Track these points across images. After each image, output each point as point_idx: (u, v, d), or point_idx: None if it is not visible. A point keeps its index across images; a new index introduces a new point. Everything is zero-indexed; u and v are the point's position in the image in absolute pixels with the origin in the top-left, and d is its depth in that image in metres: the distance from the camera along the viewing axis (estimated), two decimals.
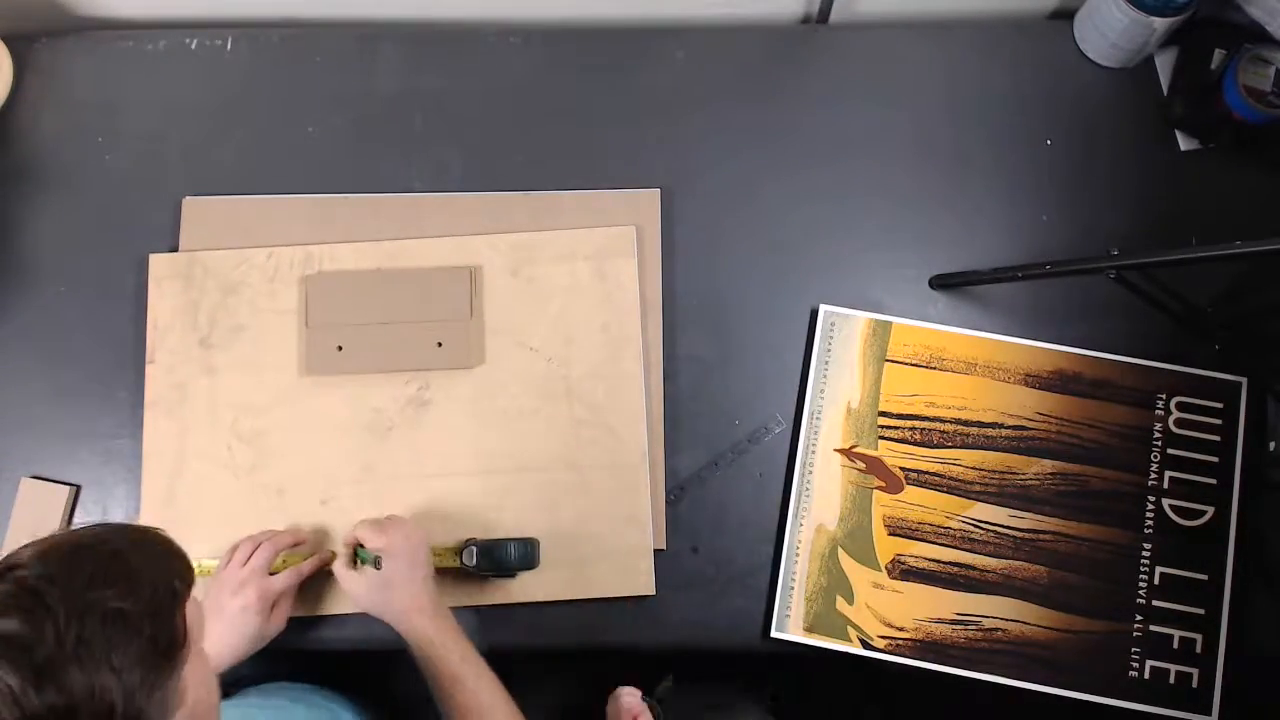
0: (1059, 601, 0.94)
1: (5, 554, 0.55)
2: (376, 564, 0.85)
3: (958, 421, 0.97)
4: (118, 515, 0.96)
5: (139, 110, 1.06)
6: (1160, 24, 0.99)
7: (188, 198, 1.02)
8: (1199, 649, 0.92)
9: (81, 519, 0.97)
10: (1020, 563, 0.95)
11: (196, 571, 0.64)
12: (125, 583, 0.54)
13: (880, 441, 0.97)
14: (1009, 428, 0.97)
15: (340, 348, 0.97)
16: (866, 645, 0.93)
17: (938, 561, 0.95)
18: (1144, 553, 0.95)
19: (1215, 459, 0.96)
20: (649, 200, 1.02)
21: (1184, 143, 1.05)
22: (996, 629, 0.93)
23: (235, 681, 0.99)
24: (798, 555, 0.95)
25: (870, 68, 1.07)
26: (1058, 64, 1.07)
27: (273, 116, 1.06)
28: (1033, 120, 1.05)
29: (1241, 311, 0.98)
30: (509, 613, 0.94)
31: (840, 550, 0.95)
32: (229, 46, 1.08)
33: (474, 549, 0.90)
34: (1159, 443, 0.97)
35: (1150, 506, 0.95)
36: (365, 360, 0.97)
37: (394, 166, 1.04)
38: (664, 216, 1.02)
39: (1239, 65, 0.98)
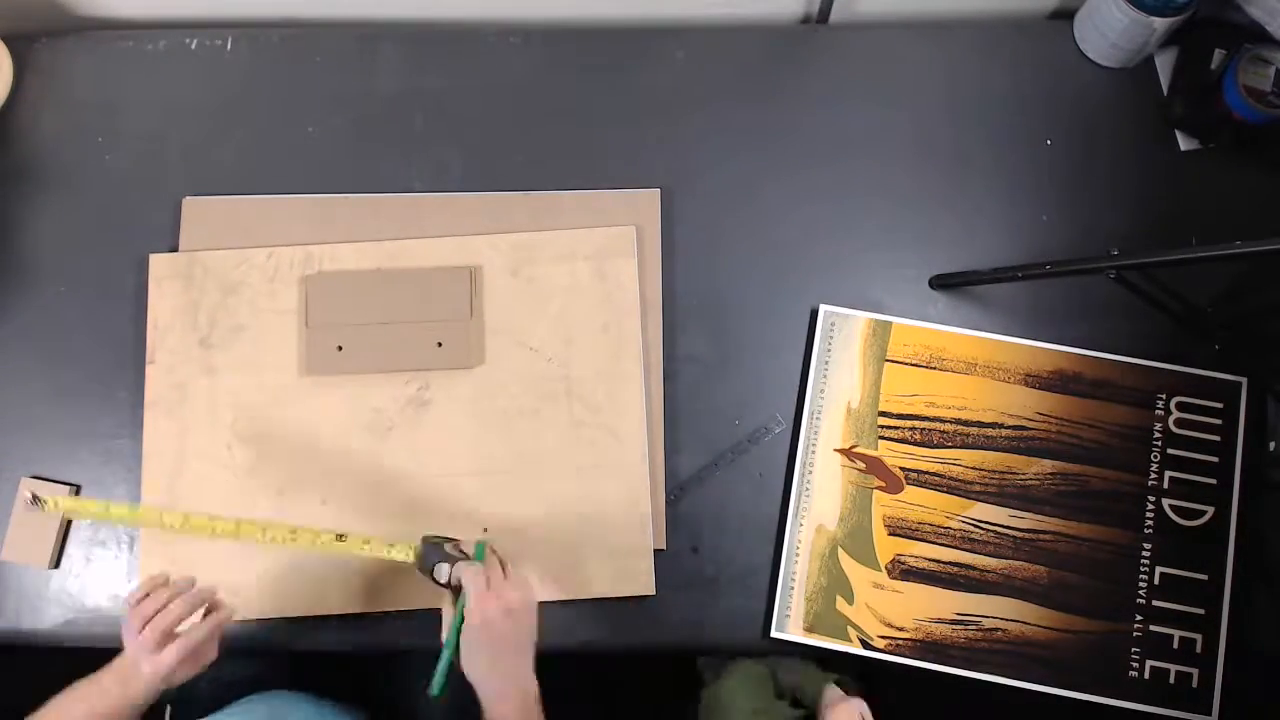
0: (1059, 601, 0.94)
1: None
2: (459, 623, 0.78)
3: (958, 421, 0.97)
4: None
5: (139, 110, 1.06)
6: (1160, 24, 0.99)
7: (188, 198, 1.02)
8: (1199, 649, 0.92)
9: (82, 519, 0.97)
10: (1020, 563, 0.95)
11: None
12: None
13: (880, 441, 0.97)
14: (1009, 428, 0.97)
15: (340, 348, 0.97)
16: (866, 645, 0.93)
17: (938, 561, 0.95)
18: (1144, 553, 0.95)
19: (1215, 459, 0.96)
20: (649, 200, 1.02)
21: (1184, 143, 1.05)
22: (996, 629, 0.93)
23: (231, 684, 0.99)
24: (798, 555, 0.95)
25: (870, 68, 1.07)
26: (1058, 64, 1.07)
27: (273, 116, 1.06)
28: (1033, 120, 1.05)
29: (1241, 311, 0.98)
30: None
31: (840, 550, 0.95)
32: (229, 46, 1.08)
33: (445, 566, 0.82)
34: (1159, 443, 0.97)
35: (1150, 506, 0.95)
36: (365, 360, 0.97)
37: (394, 166, 1.04)
38: (664, 216, 1.02)
39: (1239, 65, 0.98)
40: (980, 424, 0.97)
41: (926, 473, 0.96)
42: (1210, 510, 0.95)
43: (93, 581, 0.96)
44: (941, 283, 1.01)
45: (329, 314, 0.98)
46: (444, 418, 0.97)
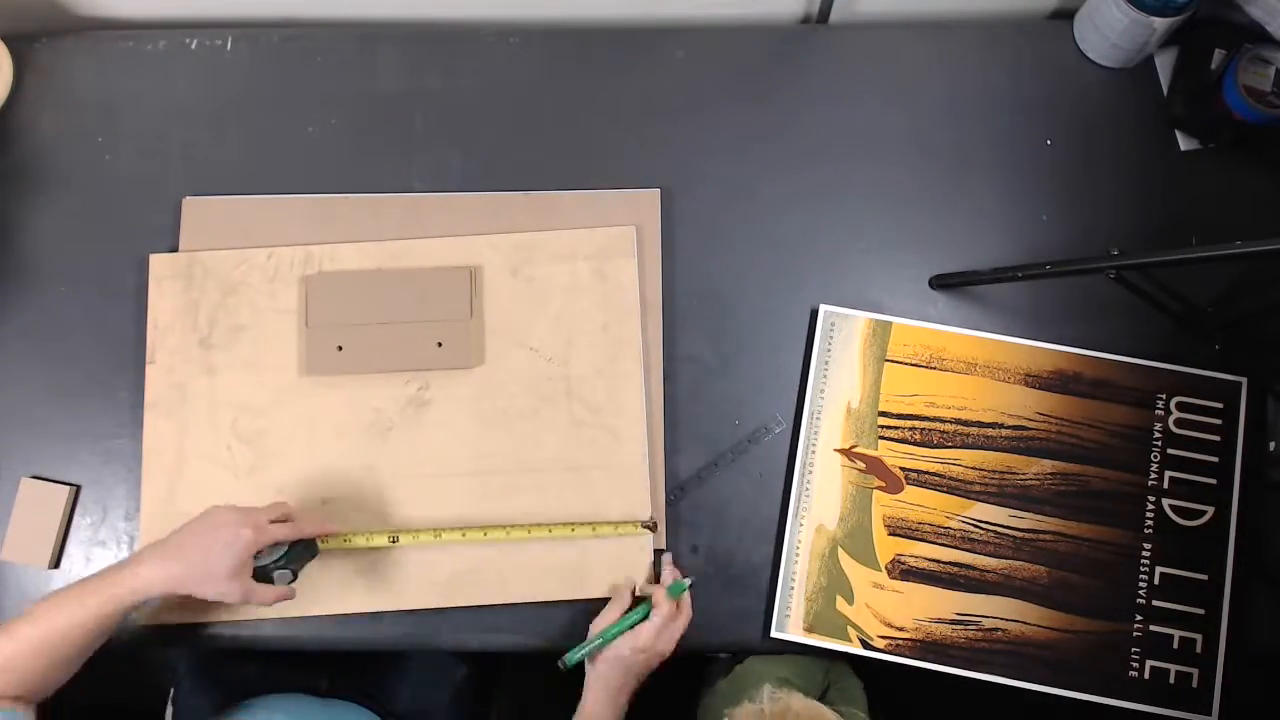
0: (1059, 601, 0.94)
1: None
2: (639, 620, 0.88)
3: (958, 421, 0.97)
4: (118, 515, 0.96)
5: (139, 110, 1.06)
6: (1160, 24, 0.99)
7: (188, 198, 1.02)
8: (1199, 649, 0.92)
9: (81, 519, 0.97)
10: (1020, 563, 0.95)
11: None
12: None
13: (880, 441, 0.97)
14: (1009, 428, 0.97)
15: (340, 348, 0.97)
16: (866, 645, 0.93)
17: (938, 561, 0.95)
18: (1144, 553, 0.95)
19: (1215, 459, 0.96)
20: (649, 200, 1.02)
21: (1184, 143, 1.05)
22: (996, 629, 0.93)
23: (234, 685, 0.99)
24: (798, 555, 0.95)
25: (870, 68, 1.07)
26: (1058, 64, 1.07)
27: (273, 116, 1.06)
28: (1033, 120, 1.05)
29: (1241, 311, 0.97)
30: (509, 613, 0.94)
31: (840, 550, 0.95)
32: (229, 46, 1.08)
33: (289, 572, 0.86)
34: (1159, 443, 0.97)
35: (1150, 506, 0.95)
36: (365, 360, 0.97)
37: (394, 166, 1.04)
38: (664, 216, 1.02)
39: (1239, 65, 0.98)
40: (980, 424, 0.97)
41: (926, 473, 0.96)
42: (1210, 510, 0.95)
43: None
44: (941, 283, 1.01)
45: (329, 314, 0.98)
46: (444, 418, 0.97)
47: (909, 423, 0.97)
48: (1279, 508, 0.95)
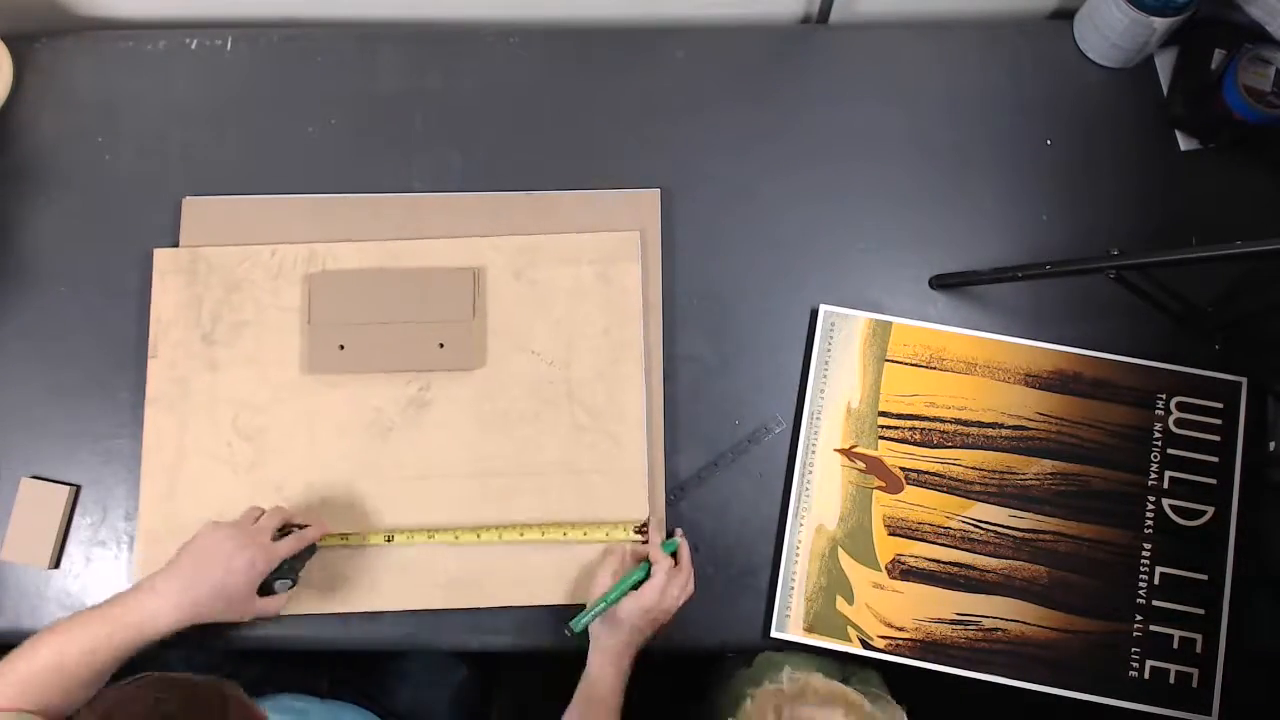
0: (1059, 601, 0.94)
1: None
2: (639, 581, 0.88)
3: (958, 421, 0.97)
4: (118, 515, 0.96)
5: (139, 110, 1.06)
6: (1160, 24, 0.99)
7: (188, 198, 1.02)
8: (1199, 649, 0.92)
9: (81, 519, 0.97)
10: (1020, 563, 0.95)
11: None
12: None
13: (880, 441, 0.97)
14: (1009, 428, 0.97)
15: (342, 346, 0.97)
16: (866, 645, 0.93)
17: (938, 561, 0.95)
18: (1144, 553, 0.95)
19: (1215, 459, 0.96)
20: (649, 200, 1.02)
21: (1184, 143, 1.05)
22: (996, 629, 0.93)
23: (245, 692, 0.99)
24: (798, 555, 0.95)
25: (870, 68, 1.07)
26: (1058, 64, 1.07)
27: (273, 116, 1.06)
28: (1033, 120, 1.05)
29: (1241, 311, 0.98)
30: (509, 614, 0.94)
31: (840, 550, 0.95)
32: (229, 46, 1.08)
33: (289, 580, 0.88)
34: (1159, 443, 0.97)
35: (1150, 506, 0.95)
36: (367, 360, 0.97)
37: (394, 166, 1.04)
38: (664, 216, 1.02)
39: (1239, 65, 0.98)
40: (980, 424, 0.97)
41: (926, 473, 0.96)
42: (1210, 510, 0.95)
43: (93, 581, 0.95)
44: (941, 283, 1.01)
45: (332, 312, 0.98)
46: (444, 419, 0.97)
47: (909, 423, 0.97)
48: (1279, 508, 0.95)
